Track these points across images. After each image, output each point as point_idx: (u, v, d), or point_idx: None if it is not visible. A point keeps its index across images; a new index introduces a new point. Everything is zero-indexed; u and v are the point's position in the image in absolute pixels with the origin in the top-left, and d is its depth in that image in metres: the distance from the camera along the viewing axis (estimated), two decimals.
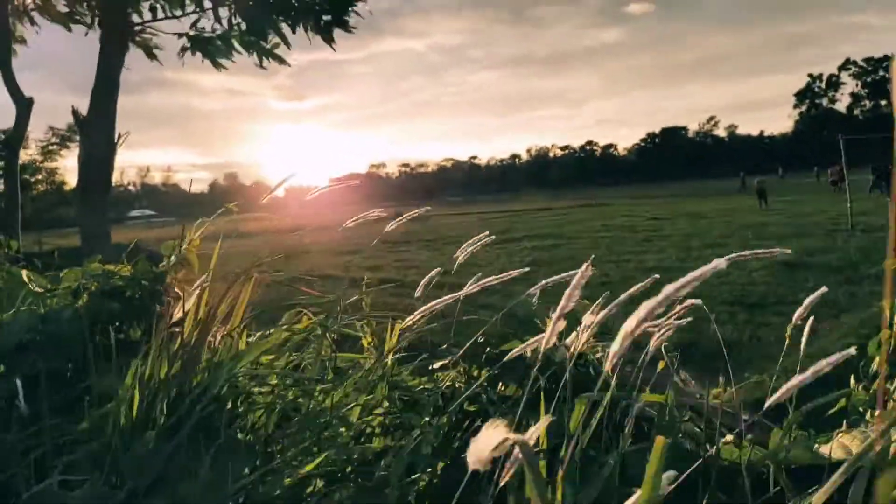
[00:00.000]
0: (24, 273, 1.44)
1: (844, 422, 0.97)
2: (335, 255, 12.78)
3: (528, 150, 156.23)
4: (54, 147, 29.38)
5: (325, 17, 7.82)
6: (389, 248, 14.63)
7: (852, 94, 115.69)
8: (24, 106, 9.26)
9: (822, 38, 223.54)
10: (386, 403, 1.25)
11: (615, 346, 0.59)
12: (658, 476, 0.48)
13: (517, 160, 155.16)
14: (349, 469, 1.09)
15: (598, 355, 1.32)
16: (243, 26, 8.17)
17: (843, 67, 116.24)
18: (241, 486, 0.90)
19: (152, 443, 0.89)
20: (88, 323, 1.26)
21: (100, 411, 0.99)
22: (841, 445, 0.86)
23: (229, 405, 1.13)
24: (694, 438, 1.02)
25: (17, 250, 1.99)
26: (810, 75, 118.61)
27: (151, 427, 0.97)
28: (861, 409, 1.11)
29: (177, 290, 1.37)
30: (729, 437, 1.00)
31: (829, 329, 5.36)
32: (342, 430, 1.16)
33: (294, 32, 8.13)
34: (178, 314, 1.16)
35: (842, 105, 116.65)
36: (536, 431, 0.54)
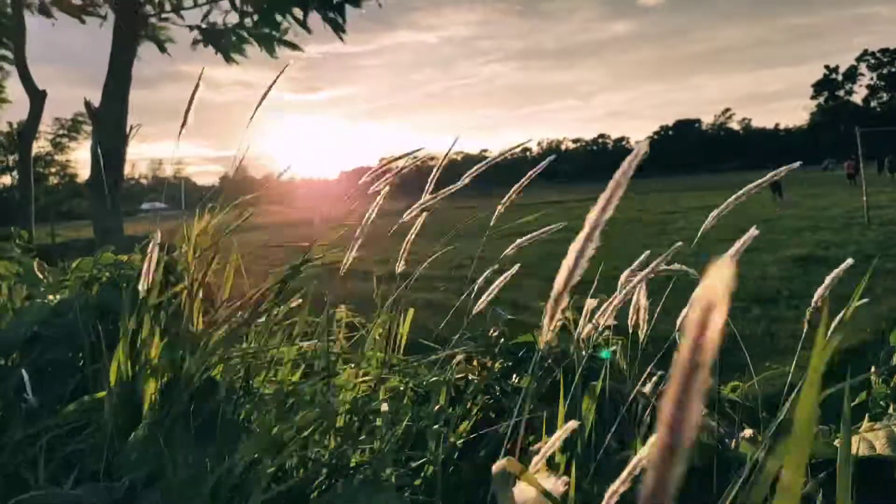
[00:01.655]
0: (35, 263, 1.44)
1: (866, 416, 0.95)
2: (344, 249, 12.77)
3: (540, 144, 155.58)
4: (63, 139, 29.60)
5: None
6: (399, 241, 14.61)
7: (869, 87, 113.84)
8: (37, 99, 9.33)
9: (833, 29, 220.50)
10: (393, 381, 1.23)
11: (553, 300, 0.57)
12: None
13: (528, 153, 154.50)
14: (356, 461, 1.08)
15: (613, 348, 1.31)
16: (255, 18, 8.16)
17: (860, 59, 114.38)
18: (236, 470, 0.87)
19: (143, 433, 0.87)
20: (98, 313, 1.26)
21: (82, 401, 0.97)
22: (864, 440, 0.83)
23: (233, 394, 1.11)
24: (711, 432, 1.00)
25: (28, 241, 1.99)
26: (827, 67, 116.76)
27: (143, 415, 0.94)
28: (882, 402, 1.09)
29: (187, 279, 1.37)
30: (748, 432, 0.98)
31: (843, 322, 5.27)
32: (345, 420, 1.15)
33: (307, 15, 8.09)
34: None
35: (858, 97, 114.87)
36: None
